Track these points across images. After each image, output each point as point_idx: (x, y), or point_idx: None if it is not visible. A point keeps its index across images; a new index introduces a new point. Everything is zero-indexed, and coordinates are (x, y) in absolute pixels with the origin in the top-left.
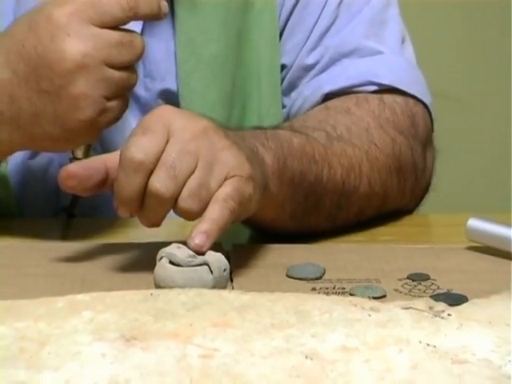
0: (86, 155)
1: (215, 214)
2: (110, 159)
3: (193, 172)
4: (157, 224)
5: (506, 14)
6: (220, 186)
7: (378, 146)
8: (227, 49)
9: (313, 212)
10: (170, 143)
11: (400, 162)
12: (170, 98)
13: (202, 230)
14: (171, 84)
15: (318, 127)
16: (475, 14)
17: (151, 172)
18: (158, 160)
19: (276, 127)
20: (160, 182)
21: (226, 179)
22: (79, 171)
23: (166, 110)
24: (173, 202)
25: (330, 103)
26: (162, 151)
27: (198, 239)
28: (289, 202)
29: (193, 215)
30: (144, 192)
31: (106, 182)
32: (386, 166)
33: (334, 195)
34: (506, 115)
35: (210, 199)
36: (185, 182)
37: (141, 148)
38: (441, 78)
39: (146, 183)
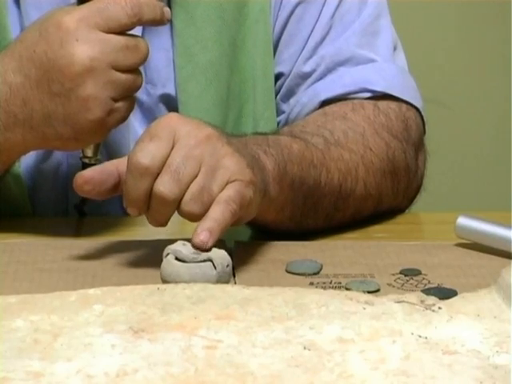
0: (95, 154)
1: (217, 215)
2: (122, 163)
3: (196, 176)
4: (163, 224)
5: (506, 14)
6: (221, 190)
7: (373, 150)
8: (222, 57)
9: (311, 214)
10: (175, 149)
11: (394, 165)
12: (170, 102)
13: (206, 228)
14: (171, 90)
15: (317, 132)
16: (474, 15)
17: (157, 176)
18: (163, 165)
19: (277, 133)
20: (164, 186)
21: (227, 184)
22: (94, 176)
23: (172, 118)
24: (176, 204)
25: (327, 109)
26: (168, 156)
27: (202, 236)
28: (288, 205)
29: (195, 217)
30: (150, 194)
31: (118, 186)
32: (380, 170)
33: (332, 198)
34: (497, 117)
35: (211, 203)
36: (188, 186)
37: (147, 153)
38: (438, 78)
39: (152, 186)
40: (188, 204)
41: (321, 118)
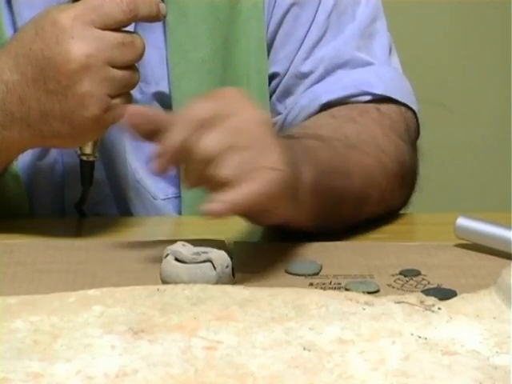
0: (94, 151)
1: (240, 193)
2: (170, 116)
3: (240, 149)
4: (196, 184)
5: (506, 14)
6: (257, 174)
7: (385, 153)
8: (215, 54)
9: (332, 220)
10: (232, 115)
11: (402, 167)
12: (163, 100)
13: (226, 200)
14: (164, 87)
15: (334, 137)
16: (474, 15)
17: (204, 130)
18: (214, 121)
19: (302, 136)
20: (211, 141)
21: (264, 171)
22: (144, 111)
23: (234, 91)
24: (212, 165)
25: (335, 112)
26: (223, 117)
27: (218, 206)
28: (315, 213)
29: (221, 186)
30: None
31: (158, 134)
32: (392, 172)
33: (351, 204)
34: (497, 117)
35: (245, 180)
36: (231, 153)
37: (204, 106)
38: (438, 79)
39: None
40: (223, 169)
41: (332, 122)
